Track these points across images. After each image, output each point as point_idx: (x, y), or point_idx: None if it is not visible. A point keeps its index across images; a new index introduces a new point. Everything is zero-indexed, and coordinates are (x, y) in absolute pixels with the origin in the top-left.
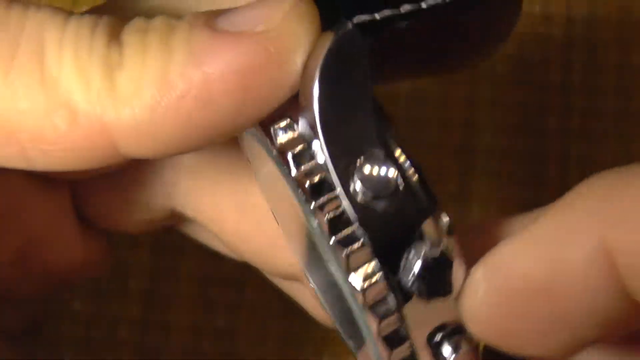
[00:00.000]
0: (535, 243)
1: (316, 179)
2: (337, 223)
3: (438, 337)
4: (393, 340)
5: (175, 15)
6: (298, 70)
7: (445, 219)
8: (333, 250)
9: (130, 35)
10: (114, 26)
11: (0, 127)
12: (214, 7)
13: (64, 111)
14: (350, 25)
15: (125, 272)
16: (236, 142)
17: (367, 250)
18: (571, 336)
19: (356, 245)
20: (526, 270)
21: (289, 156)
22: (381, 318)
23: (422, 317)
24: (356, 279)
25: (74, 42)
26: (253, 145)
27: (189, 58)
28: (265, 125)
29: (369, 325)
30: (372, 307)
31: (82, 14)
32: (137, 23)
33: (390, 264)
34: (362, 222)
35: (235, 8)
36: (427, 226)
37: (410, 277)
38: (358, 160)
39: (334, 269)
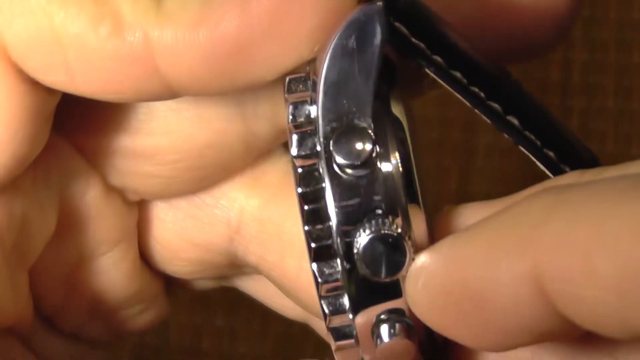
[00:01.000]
0: (473, 250)
1: (305, 130)
2: (309, 179)
3: (381, 317)
4: (336, 307)
5: None
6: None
7: (406, 205)
8: (299, 202)
9: None
10: None
11: (47, 33)
12: None
13: (109, 20)
14: (379, 4)
15: None
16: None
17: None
18: (503, 339)
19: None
20: (461, 275)
21: (290, 105)
22: (326, 282)
23: (366, 294)
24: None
25: None
26: None
27: None
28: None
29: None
30: (322, 271)
31: None
32: None
33: (347, 236)
34: (332, 185)
35: None
36: (388, 208)
37: (358, 252)
38: (343, 126)
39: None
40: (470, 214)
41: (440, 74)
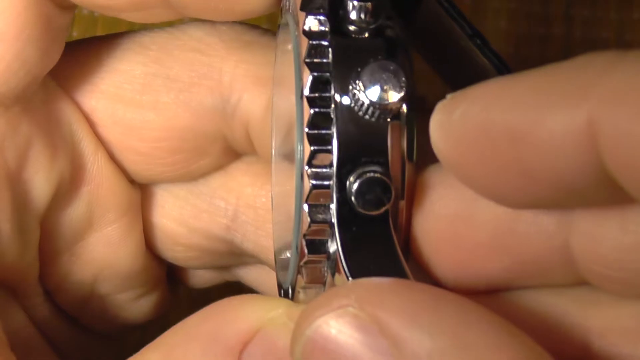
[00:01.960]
0: (523, 92)
1: (321, 73)
2: (319, 120)
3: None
4: (314, 245)
5: None
6: None
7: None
8: (299, 137)
9: None
10: None
11: None
12: None
13: None
14: None
15: None
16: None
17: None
18: (533, 192)
19: (324, 147)
20: (504, 116)
21: (307, 43)
22: (313, 221)
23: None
24: (310, 172)
25: None
26: (285, 36)
27: None
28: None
29: (301, 221)
30: (312, 206)
31: None
32: None
33: (343, 173)
34: (338, 128)
35: None
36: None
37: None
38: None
39: (297, 158)
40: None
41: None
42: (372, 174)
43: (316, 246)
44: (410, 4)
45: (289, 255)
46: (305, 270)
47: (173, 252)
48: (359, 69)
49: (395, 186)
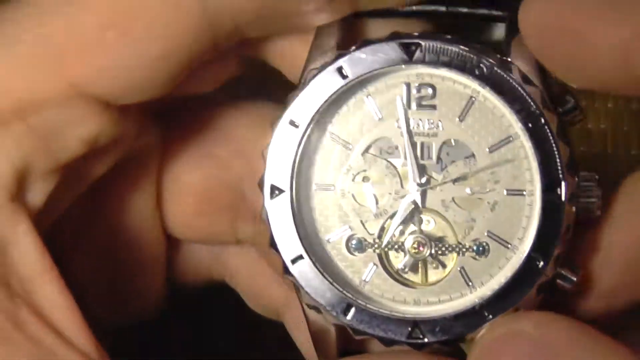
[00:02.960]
0: (582, 2)
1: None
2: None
3: None
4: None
5: None
6: None
7: None
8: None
9: None
10: None
11: None
12: None
13: None
14: None
15: None
16: None
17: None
18: (592, 76)
19: None
20: (571, 16)
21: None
22: None
23: None
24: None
25: None
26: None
27: None
28: None
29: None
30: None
31: None
32: None
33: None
34: None
35: None
36: None
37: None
38: None
39: None
40: None
41: None
42: None
43: None
44: None
45: None
46: None
47: (183, 204)
48: None
49: None
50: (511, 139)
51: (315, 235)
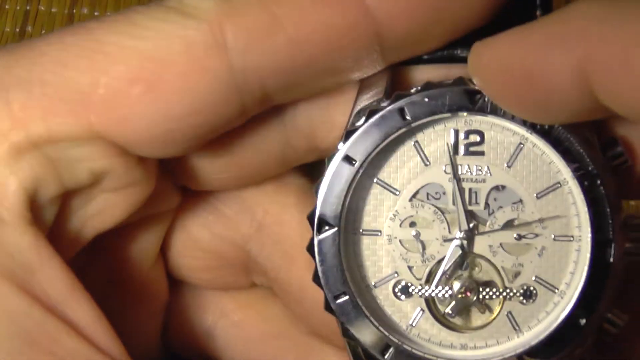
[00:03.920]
0: (534, 37)
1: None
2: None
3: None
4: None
5: None
6: None
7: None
8: None
9: None
10: None
11: None
12: None
13: None
14: None
15: None
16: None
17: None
18: (546, 113)
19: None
20: (520, 56)
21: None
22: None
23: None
24: None
25: None
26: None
27: None
28: None
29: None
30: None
31: None
32: None
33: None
34: None
35: None
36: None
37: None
38: None
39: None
40: None
41: None
42: None
43: None
44: None
45: None
46: None
47: (191, 258)
48: None
49: None
50: (559, 185)
51: (361, 279)
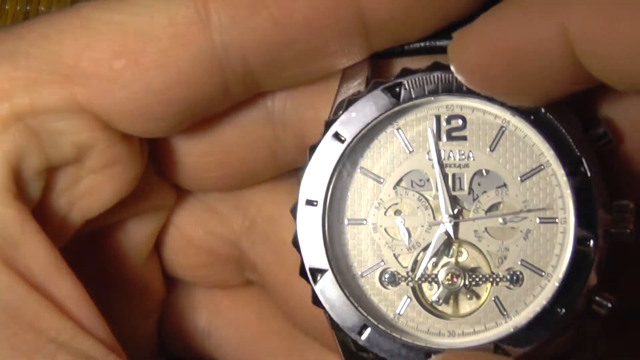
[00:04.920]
0: (508, 15)
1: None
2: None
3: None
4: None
5: None
6: None
7: None
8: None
9: None
10: None
11: None
12: None
13: None
14: None
15: None
16: None
17: None
18: (533, 92)
19: None
20: (499, 38)
21: None
22: None
23: None
24: None
25: None
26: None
27: None
28: None
29: None
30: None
31: None
32: None
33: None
34: None
35: None
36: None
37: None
38: None
39: None
40: None
41: None
42: None
43: None
44: None
45: None
46: None
47: (185, 256)
48: None
49: None
50: (542, 167)
51: (348, 269)
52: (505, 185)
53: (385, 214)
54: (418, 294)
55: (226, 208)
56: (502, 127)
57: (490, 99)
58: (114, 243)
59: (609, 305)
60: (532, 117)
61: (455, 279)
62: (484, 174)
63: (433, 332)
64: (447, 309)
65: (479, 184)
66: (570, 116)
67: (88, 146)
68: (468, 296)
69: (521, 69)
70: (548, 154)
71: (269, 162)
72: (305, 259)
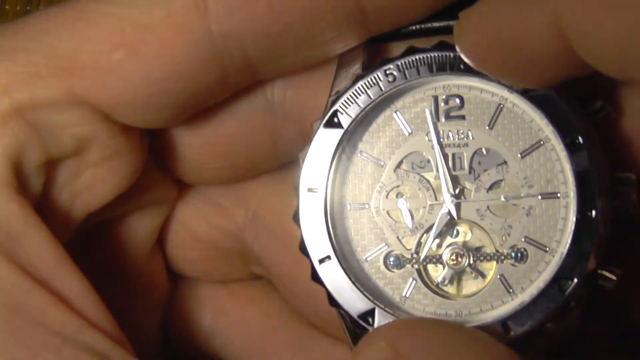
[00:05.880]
0: (499, 6)
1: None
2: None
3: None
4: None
5: None
6: None
7: None
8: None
9: None
10: None
11: None
12: None
13: None
14: None
15: None
16: None
17: None
18: (531, 76)
19: None
20: (494, 27)
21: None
22: None
23: None
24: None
25: None
26: None
27: None
28: None
29: None
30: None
31: None
32: None
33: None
34: None
35: None
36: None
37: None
38: None
39: None
40: None
41: None
42: None
43: None
44: None
45: None
46: None
47: (189, 250)
48: None
49: None
50: (542, 142)
51: (352, 255)
52: (505, 162)
53: (386, 197)
54: (423, 276)
55: (228, 201)
56: (499, 104)
57: (487, 77)
58: (116, 238)
59: (615, 278)
60: (529, 93)
61: (459, 259)
62: (484, 152)
63: (440, 314)
64: (453, 290)
65: (479, 163)
66: (567, 90)
67: (88, 139)
68: (473, 276)
69: (519, 54)
70: (547, 129)
71: (270, 151)
72: (307, 243)
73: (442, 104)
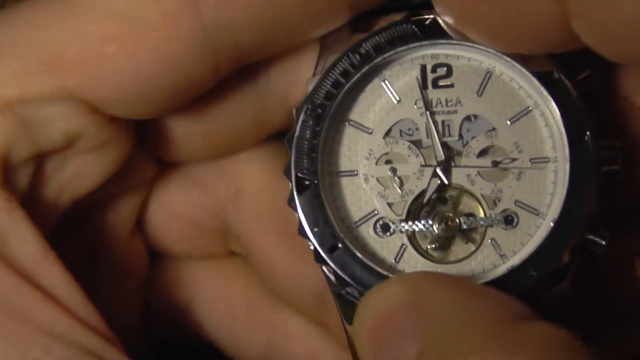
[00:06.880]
0: None
1: None
2: None
3: None
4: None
5: None
6: None
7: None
8: None
9: None
10: None
11: None
12: None
13: None
14: None
15: None
16: None
17: None
18: (519, 40)
19: None
20: None
21: None
22: None
23: None
24: None
25: None
26: None
27: None
28: None
29: None
30: None
31: None
32: None
33: None
34: None
35: None
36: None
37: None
38: None
39: None
40: None
41: None
42: None
43: None
44: None
45: None
46: None
47: (169, 230)
48: None
49: None
50: (530, 108)
51: (342, 222)
52: (494, 129)
53: (376, 164)
54: (414, 242)
55: (210, 178)
56: (488, 72)
57: (474, 46)
58: (99, 220)
59: (604, 243)
60: (517, 60)
61: (450, 224)
62: (472, 119)
63: None
64: (444, 255)
65: (467, 130)
66: (555, 56)
67: (78, 132)
68: (465, 241)
69: (509, 16)
70: (535, 94)
71: (254, 127)
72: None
73: (430, 73)
